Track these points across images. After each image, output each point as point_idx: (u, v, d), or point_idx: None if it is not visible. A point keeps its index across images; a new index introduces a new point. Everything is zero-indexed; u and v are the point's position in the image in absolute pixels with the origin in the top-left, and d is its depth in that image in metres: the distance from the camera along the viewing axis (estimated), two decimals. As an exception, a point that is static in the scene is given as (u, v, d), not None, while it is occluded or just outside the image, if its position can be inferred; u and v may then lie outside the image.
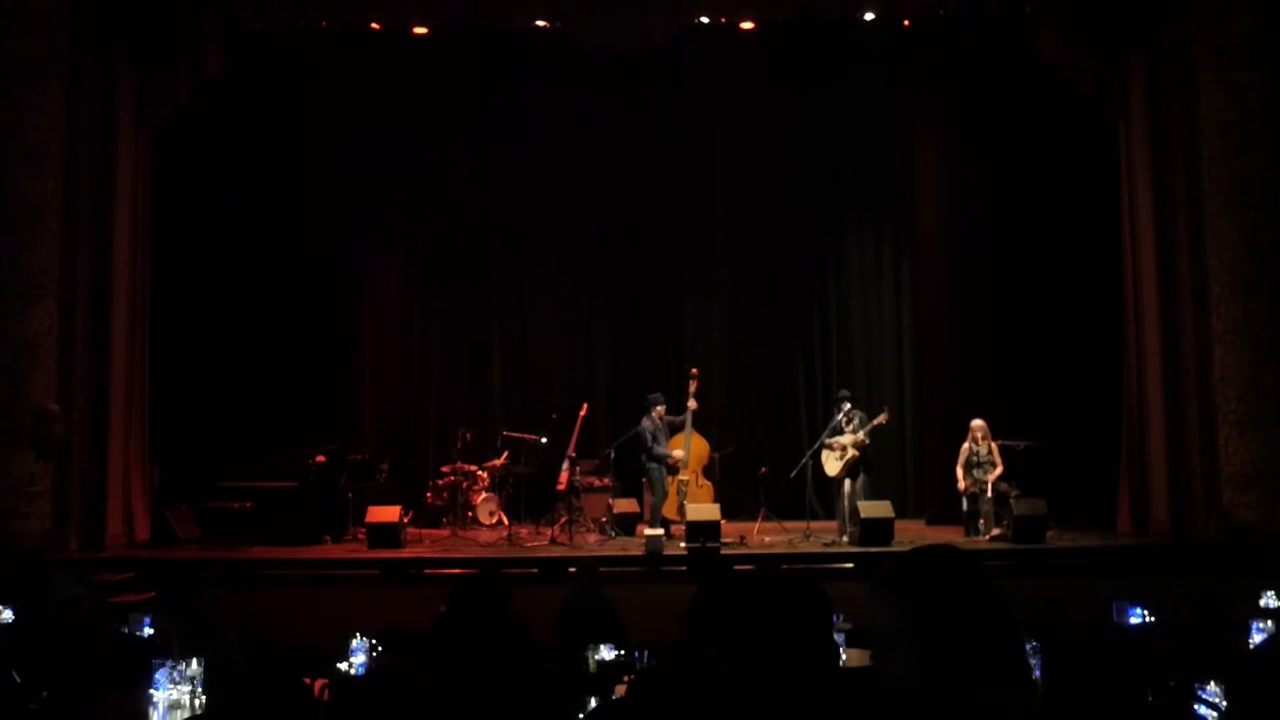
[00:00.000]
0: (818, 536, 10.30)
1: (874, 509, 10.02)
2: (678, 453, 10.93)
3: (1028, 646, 3.87)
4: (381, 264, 13.46)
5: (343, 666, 4.69)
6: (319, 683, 4.17)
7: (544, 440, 11.64)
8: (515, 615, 3.54)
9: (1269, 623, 4.98)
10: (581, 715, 3.63)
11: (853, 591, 2.79)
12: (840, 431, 10.49)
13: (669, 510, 10.85)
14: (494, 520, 11.64)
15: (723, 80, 12.55)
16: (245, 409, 12.19)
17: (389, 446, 12.60)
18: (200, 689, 3.77)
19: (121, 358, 10.69)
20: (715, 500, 10.87)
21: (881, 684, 1.49)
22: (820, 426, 11.36)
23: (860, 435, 10.32)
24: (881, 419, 10.36)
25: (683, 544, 9.88)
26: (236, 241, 12.45)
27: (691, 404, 11.03)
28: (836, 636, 4.75)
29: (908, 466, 12.84)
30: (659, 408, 10.83)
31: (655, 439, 10.74)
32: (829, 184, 13.05)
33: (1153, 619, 5.68)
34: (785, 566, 6.54)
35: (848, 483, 10.38)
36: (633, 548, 10.08)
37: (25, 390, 9.78)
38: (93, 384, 10.39)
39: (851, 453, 10.35)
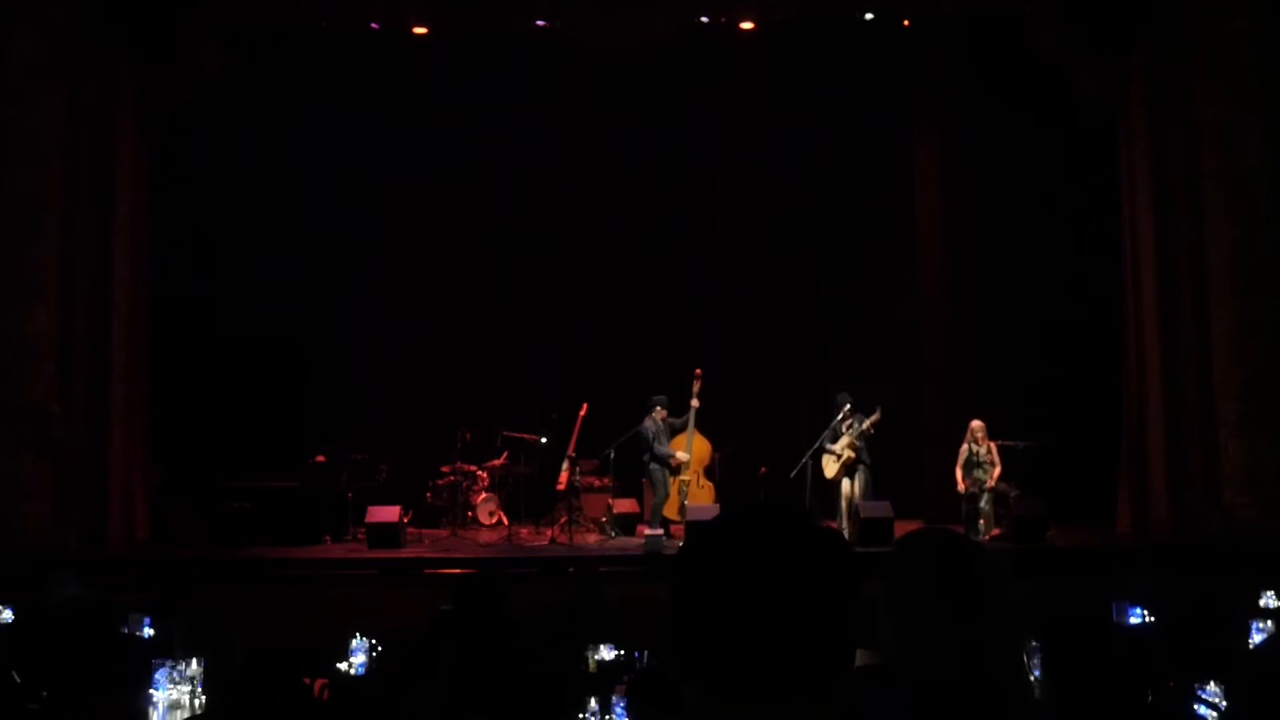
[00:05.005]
0: (818, 536, 10.29)
1: (874, 509, 10.03)
2: (680, 454, 10.93)
3: (1028, 645, 3.88)
4: (381, 262, 13.46)
5: (343, 666, 4.69)
6: (319, 683, 4.16)
7: (544, 440, 11.63)
8: (515, 615, 3.54)
9: (1269, 623, 4.96)
10: None
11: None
12: (839, 434, 10.50)
13: (670, 510, 10.85)
14: (494, 520, 11.63)
15: (723, 80, 12.55)
16: (245, 408, 12.19)
17: (389, 446, 12.59)
18: (200, 689, 3.76)
19: (121, 357, 10.69)
20: (716, 501, 10.87)
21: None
22: (820, 426, 11.35)
23: (856, 438, 10.34)
24: (875, 418, 10.37)
25: (682, 544, 9.87)
26: (236, 240, 12.43)
27: (695, 403, 11.03)
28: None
29: (908, 466, 12.82)
30: (660, 409, 10.84)
31: (657, 439, 10.75)
32: (829, 184, 13.04)
33: (1153, 619, 5.67)
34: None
35: (846, 483, 10.39)
36: (632, 548, 10.08)
37: (25, 390, 9.78)
38: (93, 384, 10.38)
39: (847, 454, 10.36)
